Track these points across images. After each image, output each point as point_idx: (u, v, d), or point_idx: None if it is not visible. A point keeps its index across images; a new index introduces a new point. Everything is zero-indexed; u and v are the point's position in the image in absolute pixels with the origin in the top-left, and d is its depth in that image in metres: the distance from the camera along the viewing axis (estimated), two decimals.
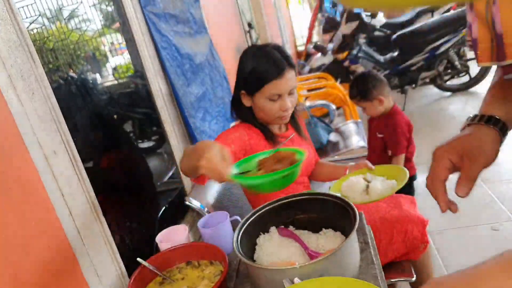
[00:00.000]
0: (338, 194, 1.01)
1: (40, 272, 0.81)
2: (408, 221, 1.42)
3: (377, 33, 5.36)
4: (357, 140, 2.97)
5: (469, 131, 0.74)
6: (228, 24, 3.13)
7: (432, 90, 5.02)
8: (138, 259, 1.04)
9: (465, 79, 4.69)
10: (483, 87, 4.62)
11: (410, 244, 1.42)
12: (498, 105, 0.75)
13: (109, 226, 1.07)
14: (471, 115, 0.76)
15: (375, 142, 2.24)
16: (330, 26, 6.79)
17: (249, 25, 4.24)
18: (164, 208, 1.55)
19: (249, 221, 1.03)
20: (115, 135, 1.68)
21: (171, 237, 1.17)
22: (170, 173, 1.93)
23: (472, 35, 0.68)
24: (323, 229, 1.04)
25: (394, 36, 4.80)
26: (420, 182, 2.32)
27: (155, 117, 1.76)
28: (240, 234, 0.98)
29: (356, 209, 0.92)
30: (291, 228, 1.07)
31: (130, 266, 1.09)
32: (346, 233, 0.99)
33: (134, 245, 1.27)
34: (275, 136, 1.41)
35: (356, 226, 0.85)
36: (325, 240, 1.00)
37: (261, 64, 1.29)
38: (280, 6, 7.64)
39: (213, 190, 1.76)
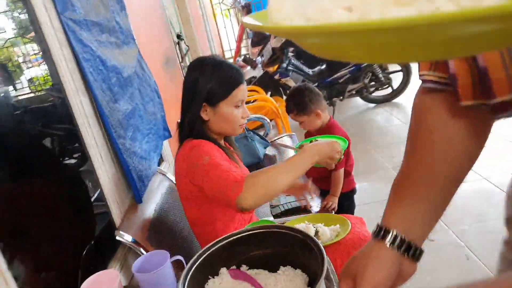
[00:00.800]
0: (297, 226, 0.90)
1: None
2: (363, 242, 1.36)
3: None
4: (293, 153, 2.94)
5: (366, 247, 0.66)
6: (157, 35, 2.93)
7: (358, 101, 5.23)
8: None
9: (388, 90, 4.94)
10: (404, 98, 4.90)
11: None
12: (402, 211, 0.65)
13: (15, 280, 0.85)
14: (376, 226, 0.67)
15: None
16: (259, 39, 6.86)
17: (178, 36, 4.07)
18: (89, 246, 1.33)
19: (196, 263, 0.87)
20: (28, 157, 1.42)
21: (99, 286, 0.97)
22: (93, 198, 1.70)
23: (449, 70, 0.59)
24: (281, 267, 0.92)
25: None
26: (357, 195, 2.33)
27: (76, 134, 1.57)
28: (187, 281, 0.83)
29: (321, 245, 0.81)
30: (244, 267, 0.93)
31: None
32: (307, 271, 0.88)
33: None
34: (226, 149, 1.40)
35: (325, 270, 0.75)
36: (285, 281, 0.88)
37: (226, 72, 1.33)
38: (208, 18, 7.53)
39: (145, 220, 1.56)
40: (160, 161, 2.29)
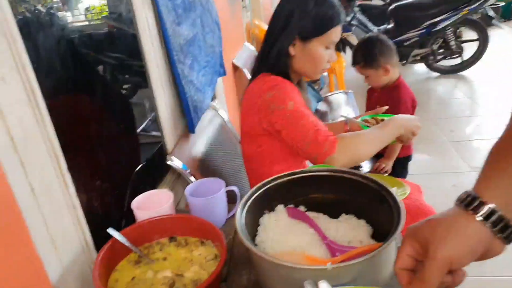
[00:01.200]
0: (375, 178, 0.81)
1: None
2: (420, 212, 1.26)
3: (374, 2, 5.12)
4: (347, 112, 2.79)
5: (447, 214, 0.55)
6: None
7: (421, 68, 4.89)
8: (110, 229, 0.82)
9: (456, 61, 4.56)
10: (473, 72, 4.52)
11: None
12: (503, 182, 0.53)
13: (74, 184, 0.83)
14: (464, 193, 0.55)
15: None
16: None
17: None
18: (140, 166, 1.32)
19: (255, 195, 0.82)
20: (85, 77, 1.40)
21: (151, 204, 0.95)
22: (145, 124, 1.68)
23: None
24: (343, 215, 0.85)
25: (391, 7, 4.57)
26: (411, 163, 2.19)
27: (128, 64, 1.59)
28: (244, 212, 0.78)
29: (398, 198, 0.73)
30: (301, 208, 0.87)
31: (97, 237, 0.87)
32: (372, 223, 0.81)
33: (104, 211, 1.04)
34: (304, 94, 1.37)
35: (401, 225, 0.67)
36: (346, 229, 0.81)
37: (327, 9, 1.23)
38: None
39: (196, 151, 1.53)
40: (213, 97, 2.24)
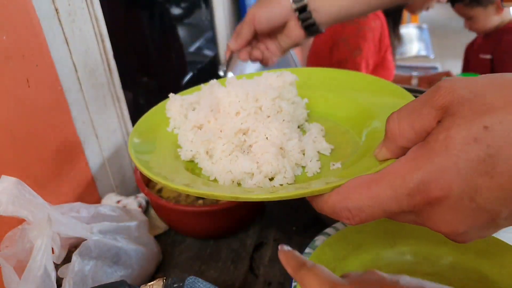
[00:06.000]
0: None
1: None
2: None
3: None
4: (418, 47, 2.55)
5: None
6: None
7: None
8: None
9: None
10: None
11: None
12: None
13: (120, 77, 0.78)
14: None
15: (474, 66, 1.71)
16: None
17: None
18: (191, 74, 1.26)
19: None
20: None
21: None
22: (199, 43, 1.60)
23: None
24: None
25: None
26: None
27: None
28: None
29: None
30: None
31: None
32: None
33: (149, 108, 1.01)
34: None
35: None
36: None
37: None
38: None
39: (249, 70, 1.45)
40: None
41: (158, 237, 0.69)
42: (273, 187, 0.39)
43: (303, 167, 0.42)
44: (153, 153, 0.45)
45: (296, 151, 0.42)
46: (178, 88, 1.17)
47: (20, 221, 0.41)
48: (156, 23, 1.19)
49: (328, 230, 0.51)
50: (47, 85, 0.61)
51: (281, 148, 0.42)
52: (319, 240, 0.49)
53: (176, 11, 1.78)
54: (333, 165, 0.41)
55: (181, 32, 1.37)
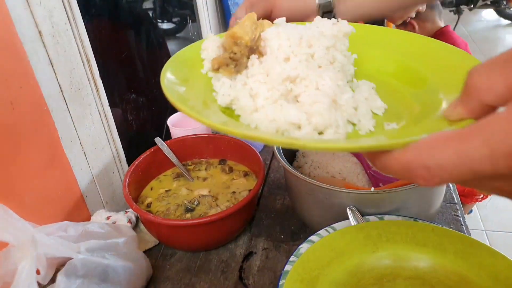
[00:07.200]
0: None
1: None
2: None
3: None
4: None
5: None
6: None
7: (490, 15, 4.42)
8: (157, 139, 0.80)
9: None
10: None
11: None
12: None
13: (107, 95, 0.80)
14: None
15: None
16: None
17: None
18: None
19: None
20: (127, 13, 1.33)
21: (187, 122, 0.91)
22: None
23: None
24: None
25: None
26: None
27: None
28: None
29: None
30: None
31: (129, 151, 0.85)
32: None
33: (138, 126, 1.02)
34: None
35: None
36: None
37: None
38: None
39: None
40: None
41: (148, 251, 0.70)
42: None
43: (354, 124, 0.37)
44: (186, 91, 0.40)
45: (350, 106, 0.38)
46: (166, 103, 1.18)
47: (5, 244, 0.41)
48: (143, 39, 1.20)
49: (312, 237, 0.52)
50: (32, 106, 0.62)
51: (333, 100, 0.37)
52: (304, 248, 0.50)
53: (164, 26, 1.81)
54: (388, 125, 0.36)
55: (170, 46, 1.39)
